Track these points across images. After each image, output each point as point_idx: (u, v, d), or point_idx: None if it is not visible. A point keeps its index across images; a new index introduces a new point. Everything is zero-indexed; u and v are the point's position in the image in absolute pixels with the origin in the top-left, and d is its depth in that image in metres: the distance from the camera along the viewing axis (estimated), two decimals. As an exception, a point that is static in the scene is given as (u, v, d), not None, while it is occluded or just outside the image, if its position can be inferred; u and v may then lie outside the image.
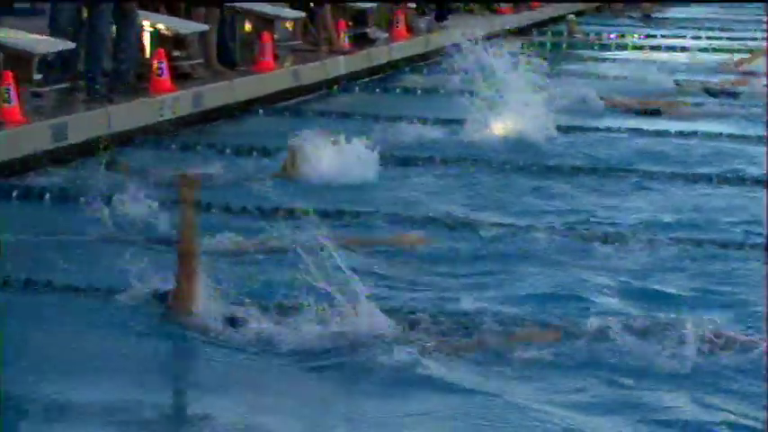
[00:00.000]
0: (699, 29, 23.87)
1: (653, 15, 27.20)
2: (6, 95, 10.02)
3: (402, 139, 11.62)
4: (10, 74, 10.15)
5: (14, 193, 9.13)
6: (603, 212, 9.32)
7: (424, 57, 17.97)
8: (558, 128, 12.09)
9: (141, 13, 12.54)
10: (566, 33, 21.14)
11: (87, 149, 10.55)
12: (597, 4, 28.24)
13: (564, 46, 21.12)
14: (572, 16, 23.86)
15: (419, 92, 15.25)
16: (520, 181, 10.32)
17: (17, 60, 10.59)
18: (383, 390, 5.76)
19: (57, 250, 7.63)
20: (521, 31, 22.48)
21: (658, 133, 12.42)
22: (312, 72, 14.83)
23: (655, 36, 22.54)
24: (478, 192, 9.95)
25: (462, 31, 19.57)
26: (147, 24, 12.54)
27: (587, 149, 11.67)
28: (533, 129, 11.84)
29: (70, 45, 11.11)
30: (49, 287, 6.95)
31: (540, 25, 23.71)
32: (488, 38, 20.40)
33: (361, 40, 16.83)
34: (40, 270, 7.22)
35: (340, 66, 15.42)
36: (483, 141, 11.64)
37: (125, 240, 7.76)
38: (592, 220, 9.06)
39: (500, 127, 11.91)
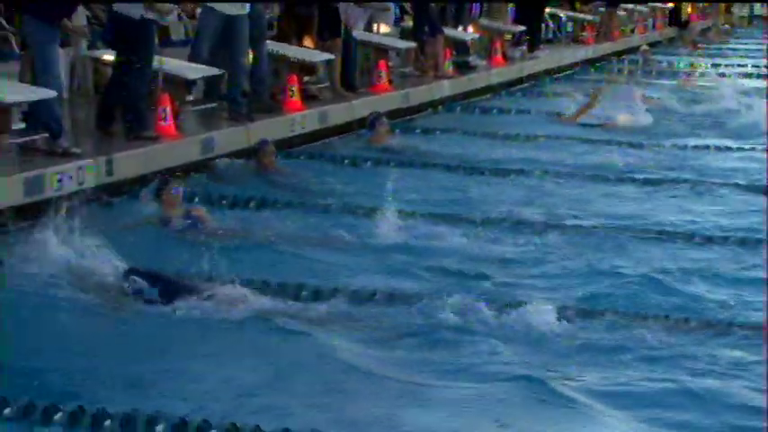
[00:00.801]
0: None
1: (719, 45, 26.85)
2: (163, 114, 10.16)
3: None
4: (167, 96, 10.27)
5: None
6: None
7: (518, 82, 17.97)
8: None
9: (279, 45, 12.78)
10: (641, 62, 20.95)
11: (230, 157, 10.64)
12: (670, 36, 27.99)
13: (638, 73, 20.95)
14: (646, 46, 23.68)
15: (513, 112, 15.26)
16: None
17: (173, 84, 10.73)
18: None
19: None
20: (602, 60, 22.40)
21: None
22: (420, 94, 14.92)
23: (719, 65, 22.27)
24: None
25: (551, 59, 19.82)
26: (282, 54, 12.73)
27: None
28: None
29: (216, 71, 11.35)
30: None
31: (619, 54, 23.55)
32: (574, 65, 20.61)
33: (463, 67, 16.86)
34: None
35: (444, 89, 15.50)
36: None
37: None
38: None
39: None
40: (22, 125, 9.05)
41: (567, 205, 9.68)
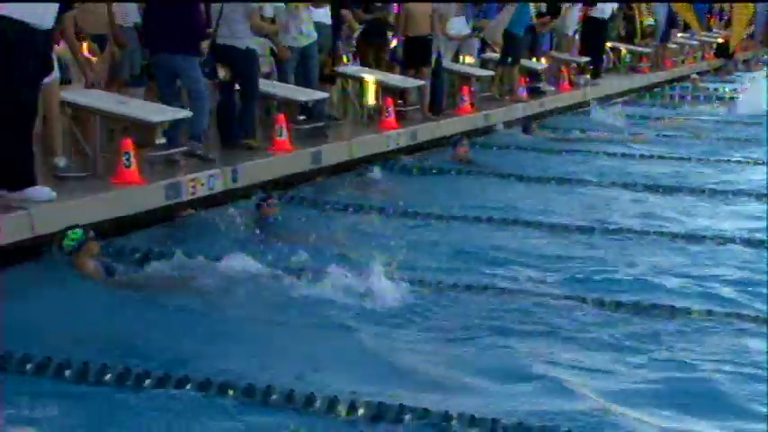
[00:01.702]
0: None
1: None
2: (279, 131, 10.33)
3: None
4: (282, 116, 10.42)
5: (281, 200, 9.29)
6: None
7: (582, 105, 17.87)
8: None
9: (377, 72, 12.91)
10: (690, 88, 20.63)
11: (335, 170, 10.87)
12: (717, 66, 27.58)
13: (688, 98, 20.72)
14: (695, 75, 23.38)
15: (577, 132, 15.20)
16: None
17: (286, 106, 10.92)
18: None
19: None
20: (656, 87, 22.17)
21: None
22: (498, 115, 14.93)
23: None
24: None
25: (611, 86, 19.68)
26: (378, 80, 12.86)
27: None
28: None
29: (324, 95, 11.49)
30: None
31: (671, 82, 23.29)
32: (631, 91, 20.42)
33: (535, 92, 16.82)
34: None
35: (519, 111, 15.50)
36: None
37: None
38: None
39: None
40: (164, 140, 9.24)
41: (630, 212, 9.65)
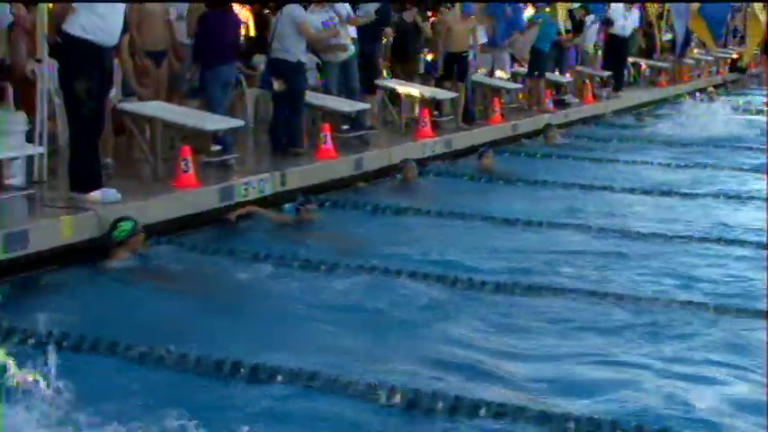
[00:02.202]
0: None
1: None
2: (324, 139, 10.34)
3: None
4: (327, 126, 10.45)
5: (326, 204, 9.36)
6: None
7: (600, 117, 17.71)
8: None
9: (414, 85, 12.93)
10: (707, 101, 20.28)
11: (377, 174, 10.87)
12: (732, 79, 27.25)
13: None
14: (712, 88, 23.14)
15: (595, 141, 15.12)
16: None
17: (332, 116, 10.94)
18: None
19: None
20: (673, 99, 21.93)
21: None
22: (526, 125, 14.88)
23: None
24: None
25: (632, 98, 19.54)
26: (416, 92, 12.88)
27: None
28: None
29: (366, 106, 11.54)
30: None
31: (689, 94, 22.98)
32: (650, 103, 20.22)
33: (560, 104, 16.74)
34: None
35: (545, 120, 15.42)
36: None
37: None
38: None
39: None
40: (218, 147, 9.32)
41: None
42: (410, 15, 14.07)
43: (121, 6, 7.54)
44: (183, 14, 10.29)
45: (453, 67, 13.35)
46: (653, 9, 22.73)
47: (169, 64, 9.91)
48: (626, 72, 20.95)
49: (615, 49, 18.96)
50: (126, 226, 6.84)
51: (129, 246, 6.85)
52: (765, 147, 13.61)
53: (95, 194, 7.41)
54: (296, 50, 10.22)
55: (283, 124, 10.36)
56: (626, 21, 18.83)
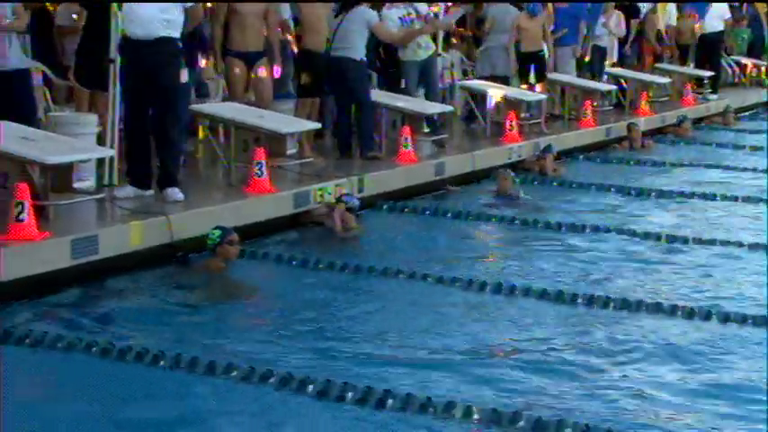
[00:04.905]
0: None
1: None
2: (405, 143, 10.31)
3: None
4: (407, 128, 10.46)
5: (405, 209, 9.39)
6: None
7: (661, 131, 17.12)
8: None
9: (496, 85, 12.89)
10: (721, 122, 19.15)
11: (460, 181, 10.80)
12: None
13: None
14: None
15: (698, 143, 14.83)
16: None
17: (412, 119, 10.96)
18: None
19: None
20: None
21: None
22: (619, 130, 14.57)
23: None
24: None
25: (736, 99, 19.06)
26: (503, 94, 12.81)
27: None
28: None
29: (450, 108, 11.54)
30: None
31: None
32: (756, 105, 19.69)
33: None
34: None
35: (641, 124, 15.08)
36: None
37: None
38: None
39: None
40: (294, 150, 9.40)
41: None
42: None
43: None
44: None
45: (528, 67, 13.42)
46: (760, 3, 22.22)
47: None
48: (730, 72, 20.54)
49: (706, 46, 18.57)
50: (214, 234, 6.94)
51: (221, 254, 6.94)
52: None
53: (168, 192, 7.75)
54: (361, 50, 10.32)
55: (357, 130, 10.39)
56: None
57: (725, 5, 19.38)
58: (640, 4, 17.70)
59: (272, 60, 9.80)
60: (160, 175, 7.87)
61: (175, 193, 7.76)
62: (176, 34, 7.79)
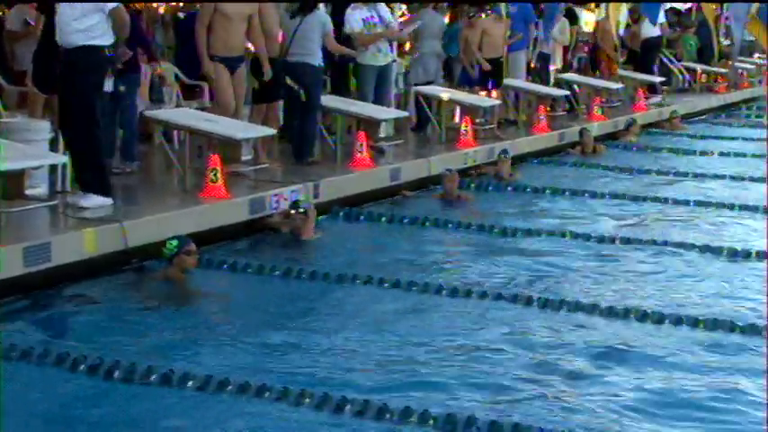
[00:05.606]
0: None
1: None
2: (360, 148, 10.28)
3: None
4: (363, 134, 10.43)
5: (361, 216, 9.40)
6: None
7: (655, 125, 17.56)
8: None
9: (455, 91, 12.92)
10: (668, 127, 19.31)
11: (416, 186, 10.85)
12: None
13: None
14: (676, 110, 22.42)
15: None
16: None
17: (367, 124, 10.91)
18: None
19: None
20: (732, 107, 21.66)
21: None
22: (571, 135, 14.73)
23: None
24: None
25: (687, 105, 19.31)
26: (457, 100, 12.85)
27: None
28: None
29: (404, 114, 11.56)
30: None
31: (747, 102, 22.74)
32: (707, 111, 19.95)
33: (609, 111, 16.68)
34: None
35: (594, 129, 15.20)
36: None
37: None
38: None
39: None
40: (249, 156, 9.37)
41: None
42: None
43: (67, 5, 7.46)
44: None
45: (489, 73, 13.58)
46: (708, 10, 22.56)
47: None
48: (681, 78, 20.81)
49: (644, 51, 18.72)
50: (172, 244, 6.90)
51: (178, 264, 6.90)
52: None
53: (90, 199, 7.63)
54: (320, 55, 10.37)
55: (301, 134, 10.40)
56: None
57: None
58: (578, 11, 17.89)
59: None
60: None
61: (78, 198, 7.63)
62: (101, 41, 7.51)
